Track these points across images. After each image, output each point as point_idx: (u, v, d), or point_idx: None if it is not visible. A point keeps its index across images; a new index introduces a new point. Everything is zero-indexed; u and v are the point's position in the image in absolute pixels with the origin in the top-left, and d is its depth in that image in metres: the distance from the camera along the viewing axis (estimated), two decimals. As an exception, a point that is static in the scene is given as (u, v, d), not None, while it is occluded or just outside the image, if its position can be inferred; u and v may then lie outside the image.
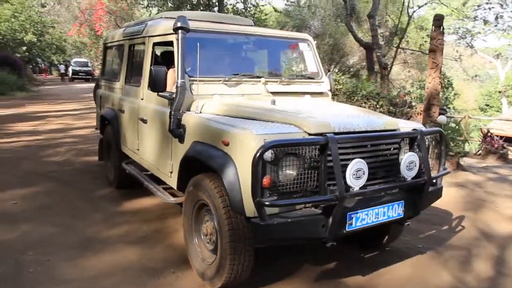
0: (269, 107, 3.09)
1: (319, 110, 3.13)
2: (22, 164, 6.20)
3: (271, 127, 2.66)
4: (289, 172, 2.47)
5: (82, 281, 3.02)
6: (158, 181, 3.93)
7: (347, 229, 2.58)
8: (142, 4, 15.29)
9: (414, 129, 2.94)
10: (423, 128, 3.10)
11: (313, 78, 4.11)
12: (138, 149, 4.21)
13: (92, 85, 8.34)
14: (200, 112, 3.25)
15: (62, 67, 34.26)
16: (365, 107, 7.75)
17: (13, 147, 7.39)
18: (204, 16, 4.40)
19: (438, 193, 3.23)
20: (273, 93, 3.74)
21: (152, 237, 3.77)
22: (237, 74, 3.66)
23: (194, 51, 3.37)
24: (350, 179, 2.48)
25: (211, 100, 3.34)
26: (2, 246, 3.52)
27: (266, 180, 2.37)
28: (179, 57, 3.24)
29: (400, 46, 14.32)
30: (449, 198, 5.28)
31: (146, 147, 4.01)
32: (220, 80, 3.54)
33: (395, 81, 19.71)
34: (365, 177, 2.54)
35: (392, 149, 2.88)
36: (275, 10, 14.98)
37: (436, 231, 4.13)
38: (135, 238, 3.74)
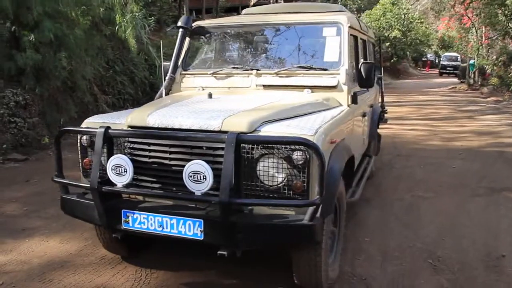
0: (171, 101, 3.13)
1: (215, 106, 2.86)
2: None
3: (119, 118, 2.89)
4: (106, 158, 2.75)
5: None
6: None
7: (123, 226, 2.53)
8: None
9: (220, 132, 2.38)
10: (262, 134, 2.38)
11: (326, 69, 3.43)
12: None
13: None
14: None
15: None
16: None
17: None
18: (274, 9, 4.42)
19: (293, 230, 2.27)
20: (265, 86, 3.54)
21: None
22: (228, 67, 3.72)
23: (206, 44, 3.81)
24: (110, 174, 2.46)
25: (178, 93, 3.67)
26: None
27: (85, 162, 2.81)
28: (174, 52, 3.78)
29: None
30: None
31: None
32: (208, 74, 3.73)
33: None
34: (128, 175, 2.41)
35: (181, 153, 2.48)
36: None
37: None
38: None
